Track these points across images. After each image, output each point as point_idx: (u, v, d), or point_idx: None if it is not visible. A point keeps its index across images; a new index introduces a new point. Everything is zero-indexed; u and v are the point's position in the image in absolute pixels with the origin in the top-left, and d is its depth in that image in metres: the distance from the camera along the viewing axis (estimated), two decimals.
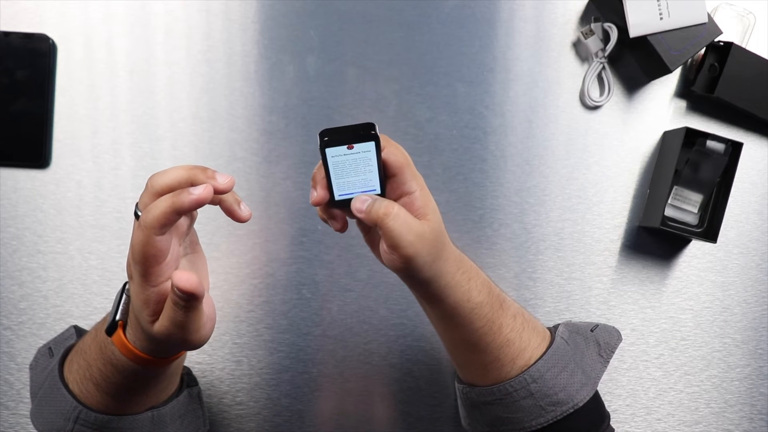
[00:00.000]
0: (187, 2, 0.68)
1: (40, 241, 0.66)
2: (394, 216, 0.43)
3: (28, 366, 0.65)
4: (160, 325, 0.39)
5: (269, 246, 0.68)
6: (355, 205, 0.44)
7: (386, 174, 0.44)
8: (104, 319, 0.45)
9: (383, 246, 0.45)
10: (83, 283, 0.66)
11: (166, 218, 0.37)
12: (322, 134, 0.42)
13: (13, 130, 0.65)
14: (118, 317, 0.41)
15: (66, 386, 0.45)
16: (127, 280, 0.42)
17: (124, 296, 0.42)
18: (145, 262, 0.38)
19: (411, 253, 0.44)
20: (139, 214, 0.39)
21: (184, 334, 0.39)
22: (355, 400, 0.68)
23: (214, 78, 0.68)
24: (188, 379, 0.57)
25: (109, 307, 0.66)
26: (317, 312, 0.68)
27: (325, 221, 0.48)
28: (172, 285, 0.37)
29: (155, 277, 0.38)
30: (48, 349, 0.52)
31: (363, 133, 0.41)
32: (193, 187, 0.38)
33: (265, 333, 0.68)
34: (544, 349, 0.52)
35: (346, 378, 0.68)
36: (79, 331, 0.54)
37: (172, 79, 0.67)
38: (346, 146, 0.42)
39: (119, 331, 0.41)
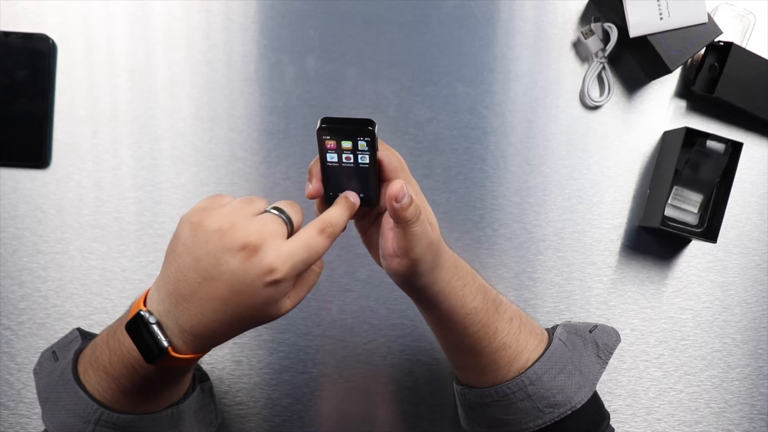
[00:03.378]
0: (187, 2, 0.68)
1: (40, 241, 0.66)
2: (421, 221, 0.43)
3: (28, 365, 0.65)
4: (296, 298, 0.43)
5: None
6: (396, 193, 0.41)
7: (380, 178, 0.45)
8: (114, 335, 0.44)
9: (389, 248, 0.45)
10: (83, 283, 0.66)
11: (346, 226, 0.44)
12: (323, 120, 0.42)
13: (13, 130, 0.65)
14: (166, 345, 0.40)
15: (85, 390, 0.45)
16: (143, 309, 0.41)
17: (153, 327, 0.40)
18: (314, 262, 0.42)
19: (418, 259, 0.44)
20: (290, 218, 0.42)
21: (306, 294, 0.44)
22: (355, 400, 0.68)
23: (214, 78, 0.68)
24: (199, 374, 0.57)
25: (108, 307, 0.66)
26: (317, 312, 0.68)
27: None
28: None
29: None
30: (52, 353, 0.52)
31: (361, 128, 0.42)
32: (349, 194, 0.45)
33: (265, 333, 0.68)
34: (541, 351, 0.52)
35: (346, 378, 0.68)
36: (83, 333, 0.54)
37: (172, 79, 0.67)
38: (342, 137, 0.42)
39: (173, 354, 0.40)
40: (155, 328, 0.40)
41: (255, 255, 0.38)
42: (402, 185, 0.42)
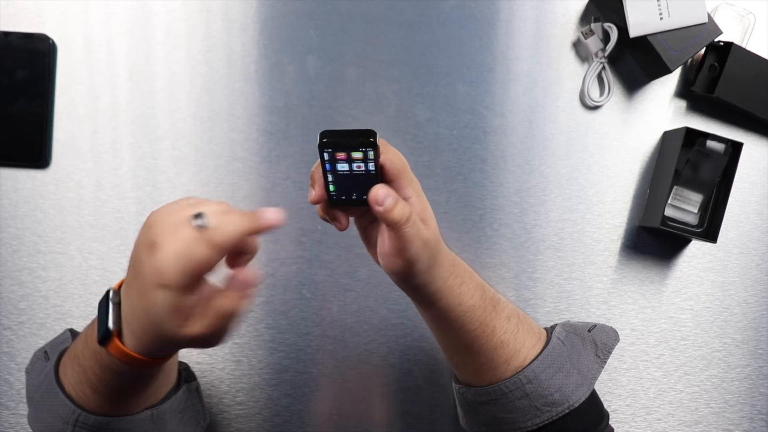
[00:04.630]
0: (187, 2, 0.68)
1: (40, 241, 0.66)
2: (412, 222, 0.43)
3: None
4: (203, 323, 0.39)
5: (269, 246, 0.68)
6: (376, 198, 0.42)
7: (383, 179, 0.45)
8: (93, 324, 0.44)
9: (385, 248, 0.45)
10: (83, 283, 0.66)
11: (242, 239, 0.39)
12: (322, 135, 0.42)
13: (13, 130, 0.65)
14: (111, 326, 0.40)
15: (63, 390, 0.45)
16: (113, 288, 0.41)
17: (111, 304, 0.40)
18: (196, 274, 0.37)
19: (414, 259, 0.44)
20: (202, 224, 0.38)
21: (227, 330, 0.41)
22: (355, 400, 0.68)
23: (214, 78, 0.68)
24: (186, 374, 0.57)
25: None
26: (317, 312, 0.68)
27: (326, 220, 0.48)
28: (236, 283, 0.40)
29: (198, 287, 0.38)
30: (44, 353, 0.52)
31: (362, 139, 0.41)
32: (268, 212, 0.41)
33: (265, 333, 0.68)
34: (539, 350, 0.52)
35: (346, 378, 0.68)
36: (74, 335, 0.54)
37: (172, 79, 0.68)
38: (344, 149, 0.42)
39: (116, 341, 0.40)
40: (111, 306, 0.40)
41: (153, 255, 0.37)
42: (381, 189, 0.42)
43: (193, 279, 0.37)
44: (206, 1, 0.68)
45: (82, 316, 0.66)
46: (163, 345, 0.41)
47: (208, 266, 0.38)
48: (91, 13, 0.67)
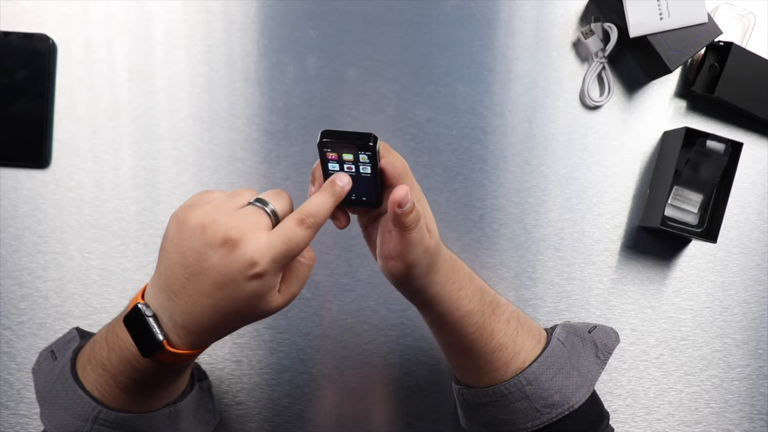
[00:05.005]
0: (187, 2, 0.68)
1: (40, 241, 0.66)
2: (419, 228, 0.43)
3: (28, 365, 0.66)
4: (288, 293, 0.42)
5: None
6: (401, 198, 0.41)
7: (384, 183, 0.45)
8: (113, 331, 0.44)
9: (385, 250, 0.46)
10: (83, 283, 0.66)
11: (331, 213, 0.43)
12: (323, 134, 0.42)
13: (13, 130, 0.65)
14: (161, 338, 0.40)
15: (83, 388, 0.45)
16: (140, 302, 0.41)
17: (149, 319, 0.41)
18: (295, 256, 0.41)
19: (413, 263, 0.45)
20: (272, 209, 0.41)
21: (300, 290, 0.44)
22: (355, 400, 0.68)
23: (214, 78, 0.68)
24: (198, 373, 0.57)
25: (108, 307, 0.66)
26: (317, 312, 0.68)
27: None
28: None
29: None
30: (50, 353, 0.52)
31: (362, 142, 0.41)
32: (337, 178, 0.43)
33: (265, 333, 0.68)
34: (539, 352, 0.52)
35: (346, 378, 0.68)
36: (81, 333, 0.54)
37: (172, 79, 0.68)
38: (343, 151, 0.42)
39: (168, 349, 0.41)
40: (151, 320, 0.41)
41: (235, 249, 0.38)
42: (406, 192, 0.42)
43: (290, 260, 0.41)
44: (206, 1, 0.68)
45: (82, 316, 0.66)
46: (230, 329, 0.42)
47: (306, 246, 0.41)
48: (91, 13, 0.67)
